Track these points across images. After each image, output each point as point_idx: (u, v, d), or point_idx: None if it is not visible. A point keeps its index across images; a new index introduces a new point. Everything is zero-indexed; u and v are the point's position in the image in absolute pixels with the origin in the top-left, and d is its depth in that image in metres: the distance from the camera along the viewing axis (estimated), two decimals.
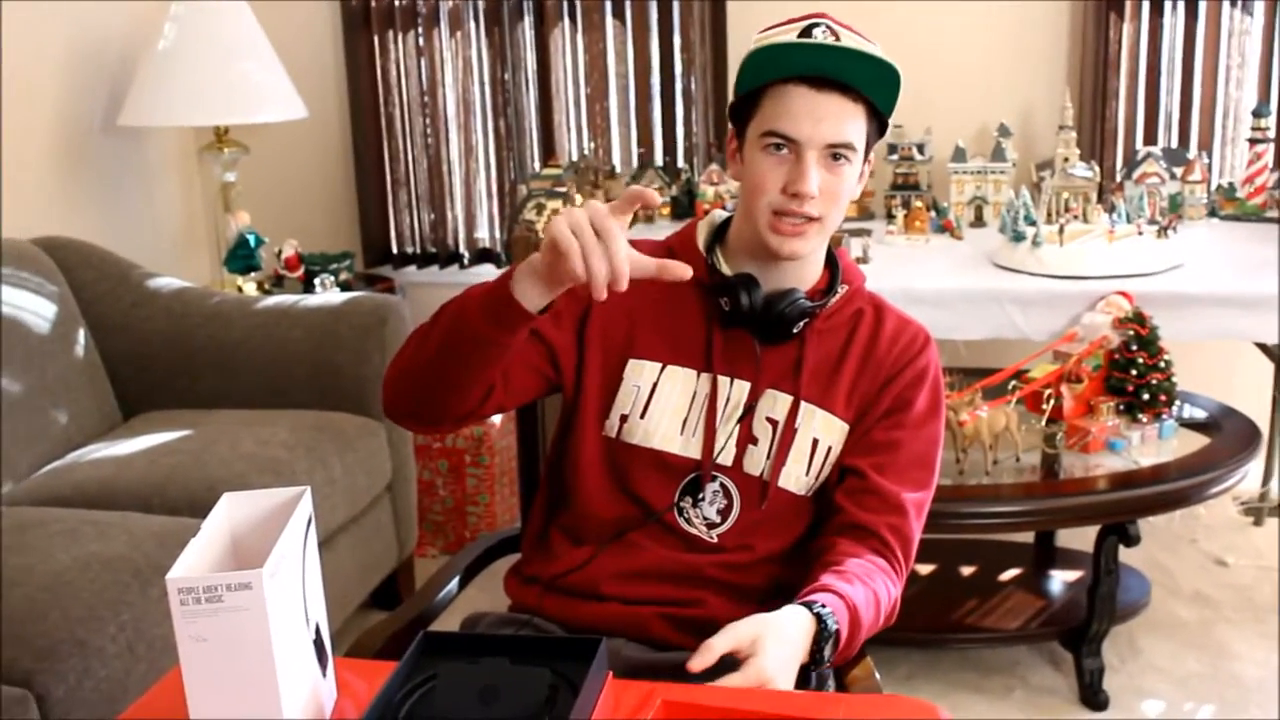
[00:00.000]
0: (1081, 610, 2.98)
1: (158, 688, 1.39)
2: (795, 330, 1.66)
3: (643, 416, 1.68)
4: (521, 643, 1.42)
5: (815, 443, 1.68)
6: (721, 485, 1.68)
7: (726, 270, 1.69)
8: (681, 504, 1.67)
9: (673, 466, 1.67)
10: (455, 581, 1.92)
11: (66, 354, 3.12)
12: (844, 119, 1.58)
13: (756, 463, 1.68)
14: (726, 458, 1.67)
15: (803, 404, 1.67)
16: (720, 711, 1.28)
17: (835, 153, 1.58)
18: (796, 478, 1.68)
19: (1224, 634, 3.22)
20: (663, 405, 1.68)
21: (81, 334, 3.20)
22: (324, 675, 1.34)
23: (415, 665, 1.32)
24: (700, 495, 1.67)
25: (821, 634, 1.45)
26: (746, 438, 1.68)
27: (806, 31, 1.58)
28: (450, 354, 1.53)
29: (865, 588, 1.54)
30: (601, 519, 1.70)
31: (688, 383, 1.68)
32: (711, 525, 1.68)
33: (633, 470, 1.69)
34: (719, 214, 1.76)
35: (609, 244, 1.33)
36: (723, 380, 1.67)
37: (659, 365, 1.69)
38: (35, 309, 3.06)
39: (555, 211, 3.54)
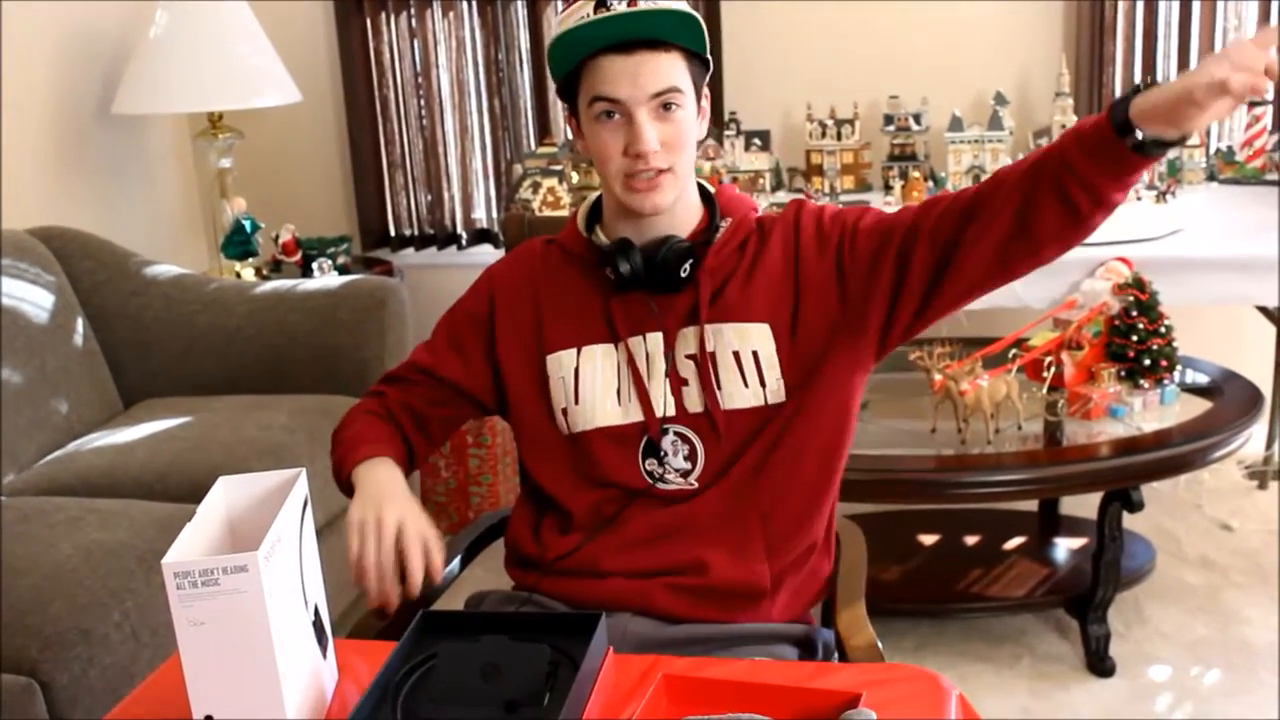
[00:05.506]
0: (1087, 577, 2.97)
1: (158, 673, 1.39)
2: (684, 274, 1.66)
3: (577, 402, 1.69)
4: (522, 620, 1.42)
5: (737, 355, 1.67)
6: (677, 434, 1.68)
7: (604, 241, 1.71)
8: (649, 469, 1.68)
9: (624, 436, 1.68)
10: (457, 561, 1.92)
11: (66, 343, 3.12)
12: (660, 69, 1.59)
13: (695, 401, 1.67)
14: (669, 410, 1.67)
15: (707, 329, 1.67)
16: (721, 684, 1.28)
17: (665, 101, 1.60)
18: (740, 394, 1.67)
19: (1230, 598, 3.22)
20: (590, 385, 1.69)
21: (80, 323, 3.20)
22: (324, 656, 1.34)
23: (416, 644, 1.33)
24: (662, 453, 1.67)
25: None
26: (678, 383, 1.68)
27: (601, 4, 1.58)
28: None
29: None
30: (584, 508, 1.71)
31: (607, 356, 1.70)
32: (685, 474, 1.68)
33: (591, 458, 1.69)
34: (593, 194, 1.79)
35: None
36: (635, 341, 1.69)
37: (573, 350, 1.71)
38: (34, 299, 3.06)
39: (551, 190, 3.53)
